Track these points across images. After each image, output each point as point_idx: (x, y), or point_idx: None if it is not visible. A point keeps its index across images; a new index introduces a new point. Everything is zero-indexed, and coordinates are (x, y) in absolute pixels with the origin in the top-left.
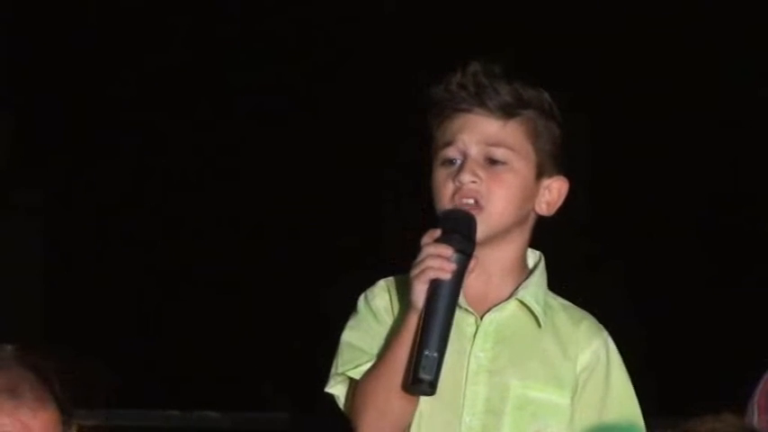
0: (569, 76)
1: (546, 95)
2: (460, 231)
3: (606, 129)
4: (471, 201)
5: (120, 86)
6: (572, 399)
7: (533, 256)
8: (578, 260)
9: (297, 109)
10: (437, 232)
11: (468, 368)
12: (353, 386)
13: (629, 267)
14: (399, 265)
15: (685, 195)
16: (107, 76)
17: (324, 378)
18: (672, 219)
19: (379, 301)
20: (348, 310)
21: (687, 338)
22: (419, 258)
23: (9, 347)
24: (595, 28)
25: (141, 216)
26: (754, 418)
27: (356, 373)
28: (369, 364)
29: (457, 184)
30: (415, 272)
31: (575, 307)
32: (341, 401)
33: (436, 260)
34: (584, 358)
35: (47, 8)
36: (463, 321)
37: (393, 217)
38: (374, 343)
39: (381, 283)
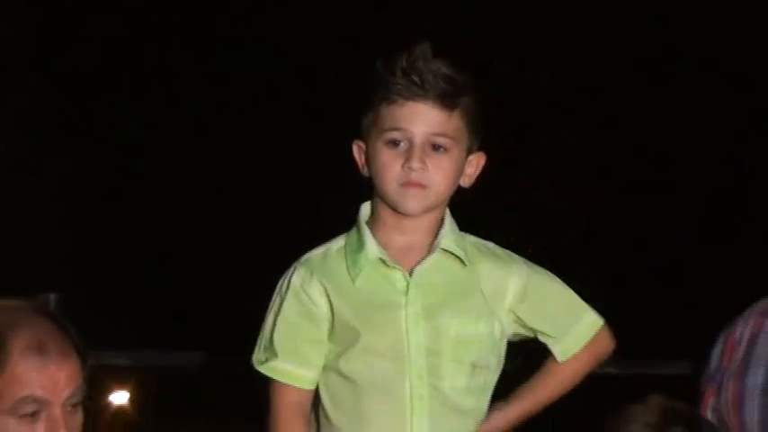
0: (570, 76)
1: (470, 76)
2: None
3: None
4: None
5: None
6: (500, 329)
7: None
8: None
9: (295, 108)
10: None
11: (406, 320)
12: None
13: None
14: None
15: (686, 192)
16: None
17: None
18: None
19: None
20: None
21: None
22: None
23: (26, 302)
24: (596, 27)
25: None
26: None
27: None
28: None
29: (406, 169)
30: None
31: (485, 243)
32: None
33: None
34: (511, 287)
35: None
36: (392, 278)
37: None
38: None
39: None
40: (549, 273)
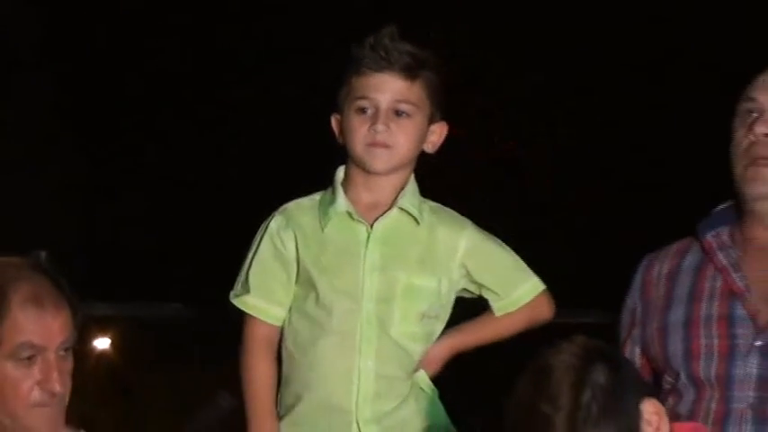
0: (570, 76)
1: (433, 55)
2: None
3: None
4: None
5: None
6: (449, 283)
7: None
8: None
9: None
10: None
11: (363, 267)
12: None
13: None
14: None
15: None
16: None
17: None
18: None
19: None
20: None
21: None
22: None
23: (24, 259)
24: (594, 26)
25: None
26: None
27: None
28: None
29: (372, 132)
30: None
31: (443, 207)
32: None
33: None
34: (462, 244)
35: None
36: (357, 229)
37: None
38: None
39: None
40: (499, 240)
